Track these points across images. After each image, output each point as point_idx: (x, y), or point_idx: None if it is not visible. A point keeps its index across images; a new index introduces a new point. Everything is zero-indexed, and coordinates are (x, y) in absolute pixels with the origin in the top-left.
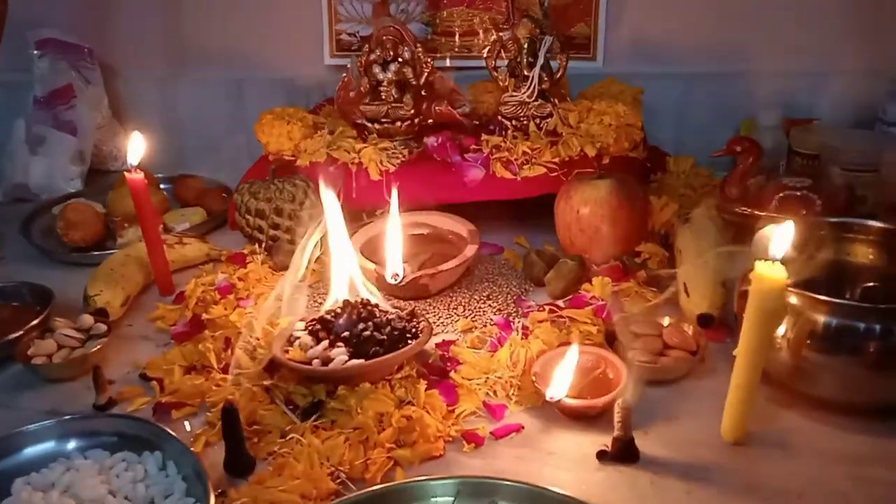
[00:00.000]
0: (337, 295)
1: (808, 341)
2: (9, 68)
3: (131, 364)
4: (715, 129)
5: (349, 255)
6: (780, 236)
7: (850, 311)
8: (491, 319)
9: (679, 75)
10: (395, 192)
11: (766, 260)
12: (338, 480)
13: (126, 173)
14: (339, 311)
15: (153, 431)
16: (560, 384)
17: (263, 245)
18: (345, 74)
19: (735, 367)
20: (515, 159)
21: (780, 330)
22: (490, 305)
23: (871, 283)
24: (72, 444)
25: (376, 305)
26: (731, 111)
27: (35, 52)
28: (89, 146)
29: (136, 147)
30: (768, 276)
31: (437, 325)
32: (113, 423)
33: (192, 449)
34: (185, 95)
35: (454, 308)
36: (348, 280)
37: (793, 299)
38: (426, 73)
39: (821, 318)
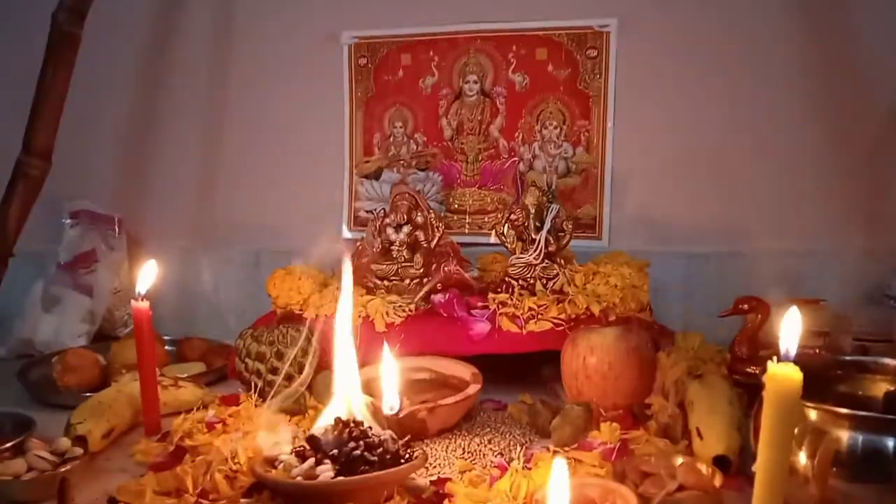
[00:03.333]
0: (329, 416)
1: (834, 468)
2: (40, 239)
3: (102, 492)
4: (723, 307)
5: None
6: (788, 331)
7: (875, 424)
8: (491, 462)
9: (684, 254)
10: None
11: (778, 361)
12: None
13: (133, 301)
14: (328, 429)
15: None
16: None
17: (258, 389)
18: (359, 243)
19: (755, 485)
20: (521, 314)
21: (802, 459)
22: (491, 449)
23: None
24: None
25: (370, 427)
26: (738, 289)
27: (67, 221)
28: (102, 308)
29: (147, 275)
30: (782, 375)
31: (434, 466)
32: None
33: None
34: (204, 265)
35: (452, 450)
36: (345, 404)
37: (812, 415)
38: (438, 237)
39: (845, 435)
